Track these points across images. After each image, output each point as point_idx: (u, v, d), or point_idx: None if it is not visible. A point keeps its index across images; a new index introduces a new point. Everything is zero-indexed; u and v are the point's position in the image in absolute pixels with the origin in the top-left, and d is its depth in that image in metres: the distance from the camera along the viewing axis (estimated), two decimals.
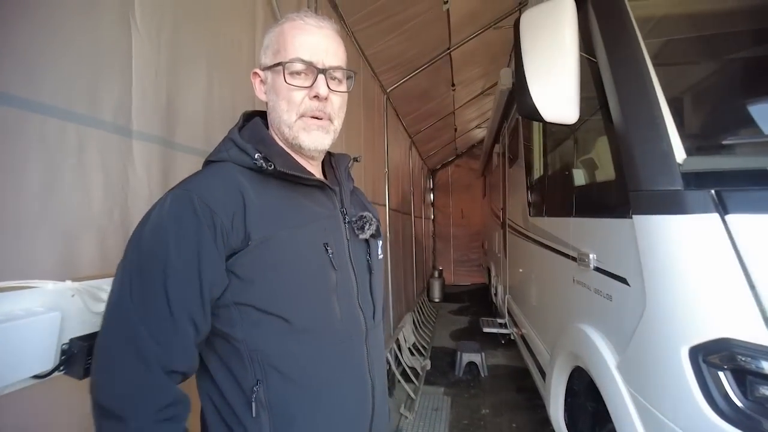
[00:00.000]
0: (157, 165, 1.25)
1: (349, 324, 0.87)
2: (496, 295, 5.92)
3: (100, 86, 1.05)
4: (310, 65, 0.81)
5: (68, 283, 0.91)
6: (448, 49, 4.39)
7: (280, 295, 0.78)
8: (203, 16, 1.46)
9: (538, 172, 2.94)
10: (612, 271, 1.45)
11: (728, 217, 1.04)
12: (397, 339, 4.39)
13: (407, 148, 6.67)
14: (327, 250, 0.84)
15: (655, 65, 1.35)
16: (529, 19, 1.65)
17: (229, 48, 1.62)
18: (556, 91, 1.48)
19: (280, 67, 0.81)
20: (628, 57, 1.41)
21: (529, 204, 3.22)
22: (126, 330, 0.69)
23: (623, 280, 1.35)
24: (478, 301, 8.30)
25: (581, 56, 1.50)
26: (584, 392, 1.79)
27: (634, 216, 1.25)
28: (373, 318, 0.94)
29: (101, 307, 0.98)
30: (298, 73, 0.82)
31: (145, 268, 0.71)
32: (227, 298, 0.76)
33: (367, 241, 0.96)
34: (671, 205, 1.13)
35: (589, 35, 1.59)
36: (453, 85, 5.38)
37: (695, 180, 1.13)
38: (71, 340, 0.92)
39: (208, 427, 0.81)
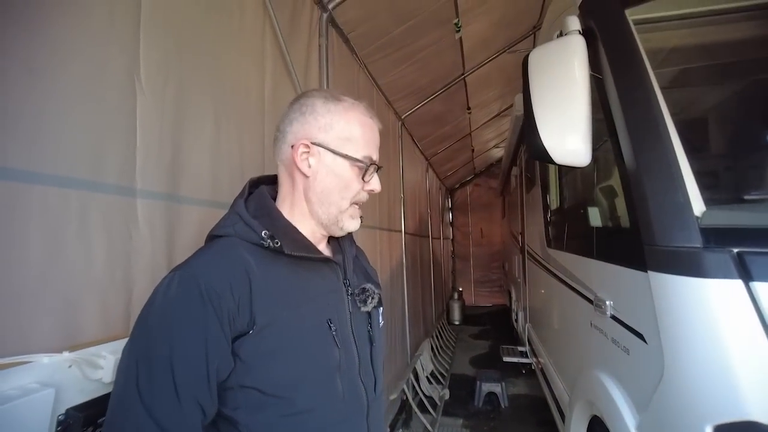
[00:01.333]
0: (160, 220, 1.24)
1: (351, 402, 0.87)
2: (516, 320, 5.77)
3: (104, 149, 1.05)
4: (375, 164, 0.90)
5: (65, 354, 0.91)
6: (462, 74, 4.39)
7: (284, 378, 0.78)
8: (211, 65, 1.47)
9: (555, 202, 2.86)
10: (629, 324, 1.37)
11: (753, 285, 0.96)
12: (414, 368, 4.30)
13: (423, 171, 6.65)
14: (330, 327, 0.85)
15: (670, 108, 1.30)
16: (537, 58, 1.61)
17: (237, 96, 1.63)
18: (566, 132, 1.43)
19: (363, 165, 0.88)
20: (640, 100, 1.36)
21: (547, 234, 3.13)
22: (132, 420, 0.68)
23: (640, 336, 1.27)
24: (499, 324, 8.11)
25: (592, 96, 1.46)
26: None
27: (649, 271, 1.18)
28: (375, 390, 0.94)
29: (99, 374, 0.98)
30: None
31: (152, 354, 0.70)
32: (232, 381, 0.75)
33: (368, 311, 0.96)
34: (689, 265, 1.06)
35: (600, 74, 1.55)
36: (468, 108, 5.37)
37: (715, 237, 1.06)
38: (67, 410, 0.91)
39: None
